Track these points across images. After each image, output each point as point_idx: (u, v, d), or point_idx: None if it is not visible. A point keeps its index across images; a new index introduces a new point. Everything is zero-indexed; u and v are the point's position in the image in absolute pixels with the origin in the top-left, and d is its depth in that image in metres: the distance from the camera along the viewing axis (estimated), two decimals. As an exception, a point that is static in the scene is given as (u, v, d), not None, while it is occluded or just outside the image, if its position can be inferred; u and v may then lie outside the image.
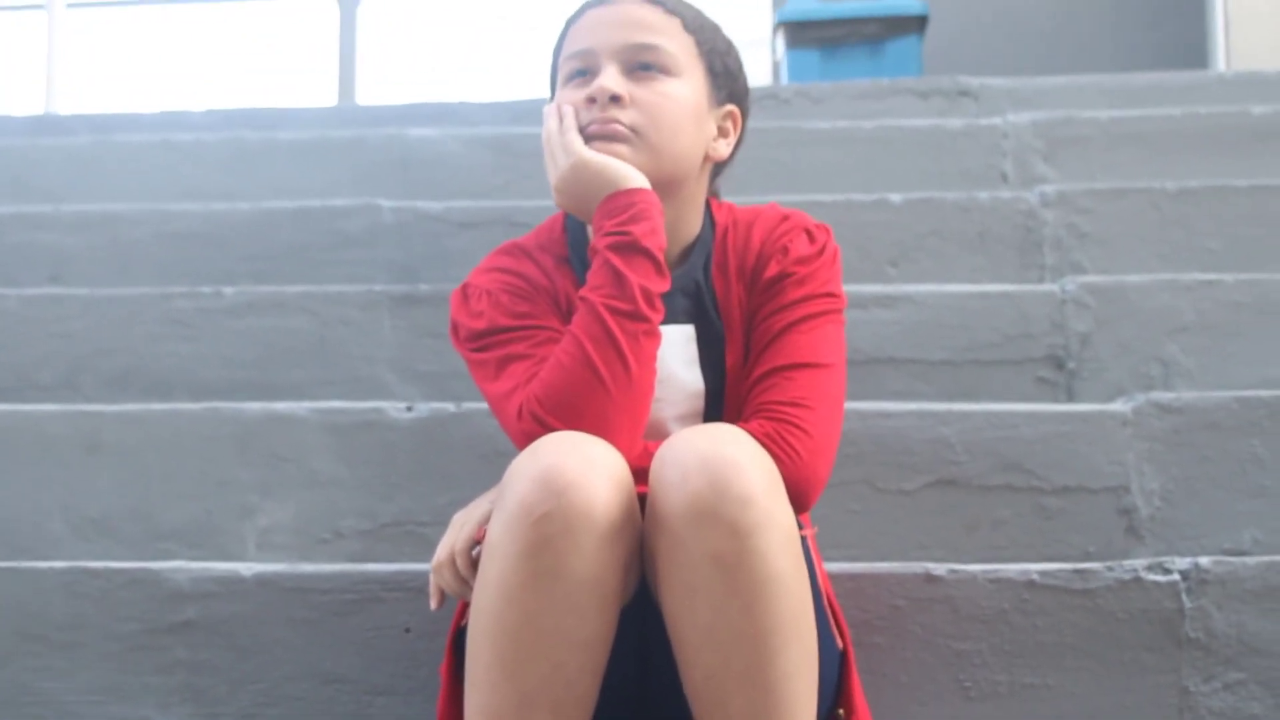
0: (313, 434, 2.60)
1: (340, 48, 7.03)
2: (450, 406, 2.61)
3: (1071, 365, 2.88)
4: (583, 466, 1.66)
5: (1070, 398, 2.87)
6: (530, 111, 4.09)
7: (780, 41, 5.33)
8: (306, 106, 4.57)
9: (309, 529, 2.57)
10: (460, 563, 1.85)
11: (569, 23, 2.06)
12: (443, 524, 2.04)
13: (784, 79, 5.33)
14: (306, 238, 3.36)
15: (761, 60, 6.20)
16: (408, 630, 2.15)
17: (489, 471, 2.45)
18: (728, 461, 1.65)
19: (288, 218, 3.39)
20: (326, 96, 7.02)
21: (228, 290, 3.01)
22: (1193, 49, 6.06)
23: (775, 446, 1.81)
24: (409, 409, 2.61)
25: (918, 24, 5.26)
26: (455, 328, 2.00)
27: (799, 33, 5.25)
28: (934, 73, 5.43)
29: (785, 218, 2.04)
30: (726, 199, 2.17)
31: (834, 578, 2.09)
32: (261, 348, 2.97)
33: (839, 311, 1.99)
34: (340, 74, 6.99)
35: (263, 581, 2.18)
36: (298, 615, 2.17)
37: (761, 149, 3.57)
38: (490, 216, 3.32)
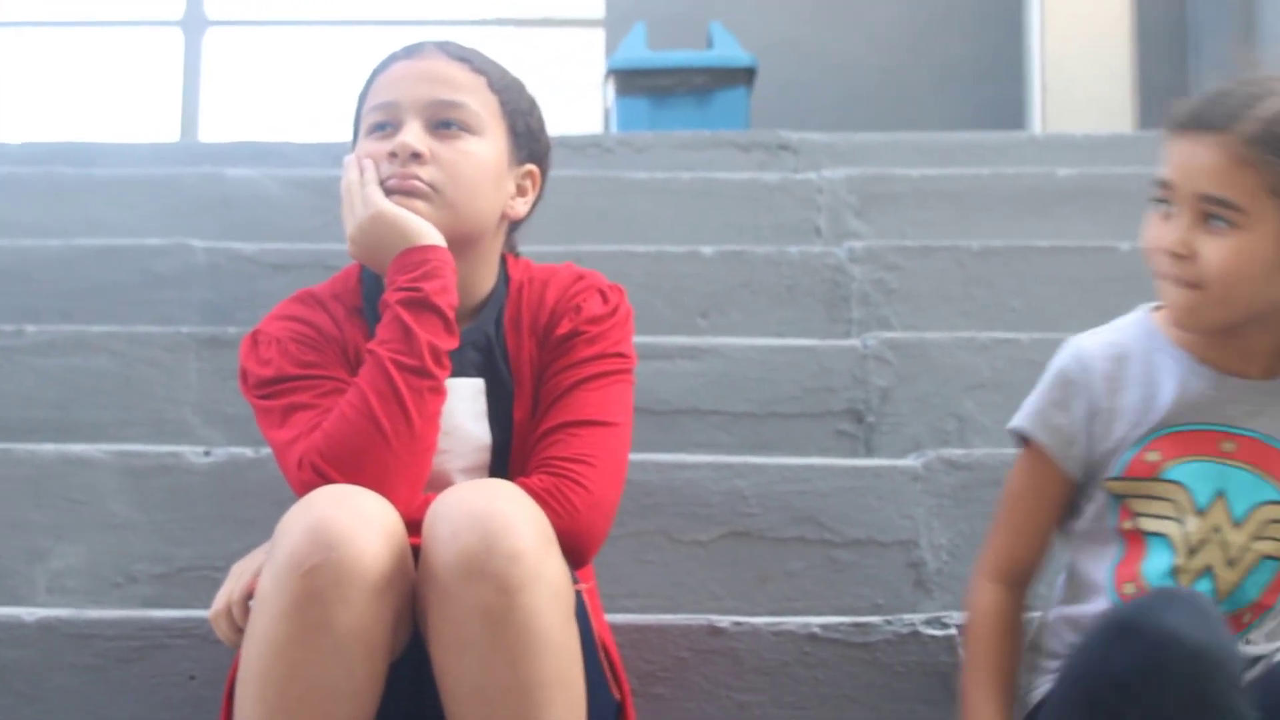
0: (108, 476, 2.58)
1: (184, 78, 6.95)
2: (249, 452, 2.60)
3: (871, 419, 2.94)
4: (353, 520, 1.67)
5: (869, 451, 2.92)
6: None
7: (611, 89, 5.38)
8: (128, 142, 4.53)
9: (102, 572, 2.54)
10: (236, 613, 1.85)
11: (375, 72, 2.07)
12: (238, 569, 2.03)
13: (614, 127, 5.37)
14: (117, 276, 3.32)
15: (594, 107, 6.25)
16: (192, 678, 2.13)
17: (285, 518, 2.44)
18: (498, 517, 1.67)
19: (98, 256, 3.35)
20: (170, 129, 6.92)
21: (30, 328, 2.96)
22: (1013, 110, 6.22)
23: (553, 501, 1.83)
24: (207, 453, 2.60)
25: (746, 76, 5.33)
26: (244, 374, 2.00)
27: (629, 81, 5.30)
28: (761, 125, 5.49)
29: (580, 277, 2.07)
30: (541, 246, 2.19)
31: (619, 629, 2.12)
32: (64, 388, 2.93)
33: (628, 372, 2.02)
34: (184, 106, 6.89)
35: (45, 627, 2.15)
36: (81, 661, 2.14)
37: (582, 198, 3.60)
38: (305, 259, 3.32)
